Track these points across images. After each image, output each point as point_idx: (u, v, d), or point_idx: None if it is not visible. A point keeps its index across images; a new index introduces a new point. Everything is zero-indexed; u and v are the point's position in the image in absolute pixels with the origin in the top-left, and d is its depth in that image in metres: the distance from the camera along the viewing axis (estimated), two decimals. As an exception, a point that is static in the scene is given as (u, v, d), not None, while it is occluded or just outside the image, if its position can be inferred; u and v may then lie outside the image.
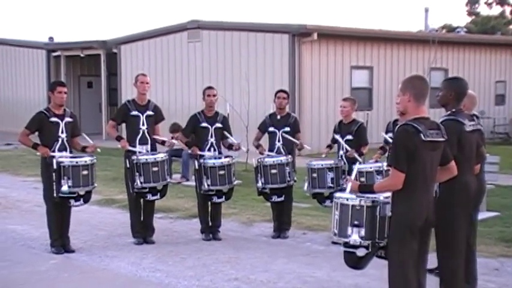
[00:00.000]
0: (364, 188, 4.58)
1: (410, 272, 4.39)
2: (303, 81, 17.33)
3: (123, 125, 8.18)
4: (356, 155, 7.86)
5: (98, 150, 7.76)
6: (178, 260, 7.16)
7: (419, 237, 4.40)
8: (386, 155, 7.54)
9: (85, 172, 7.26)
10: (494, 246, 7.47)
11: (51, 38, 25.33)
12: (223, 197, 8.08)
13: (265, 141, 8.46)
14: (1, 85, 26.81)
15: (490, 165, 8.68)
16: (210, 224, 8.21)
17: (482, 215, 8.26)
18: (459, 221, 5.08)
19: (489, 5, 45.33)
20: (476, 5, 45.53)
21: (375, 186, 4.52)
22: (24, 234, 8.43)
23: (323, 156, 8.35)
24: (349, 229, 4.49)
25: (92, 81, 24.77)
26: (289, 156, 8.13)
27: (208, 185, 7.85)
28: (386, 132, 8.02)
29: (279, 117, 8.37)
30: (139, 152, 7.72)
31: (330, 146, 8.46)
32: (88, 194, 7.45)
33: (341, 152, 8.09)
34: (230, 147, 8.32)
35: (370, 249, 4.49)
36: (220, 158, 8.02)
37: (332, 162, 7.94)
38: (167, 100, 19.27)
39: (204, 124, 8.10)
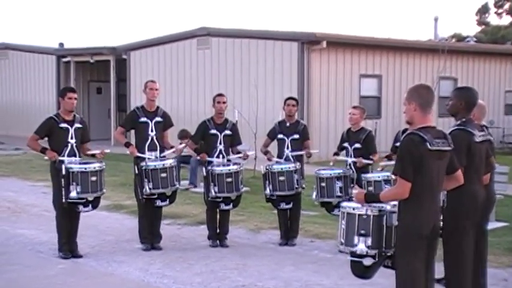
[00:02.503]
0: (370, 198, 4.55)
1: (418, 281, 4.39)
2: (312, 89, 17.34)
3: (132, 131, 8.22)
4: (366, 161, 7.87)
5: (107, 151, 7.78)
6: (186, 266, 7.17)
7: (426, 246, 4.40)
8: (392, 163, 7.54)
9: (94, 178, 7.29)
10: (503, 257, 7.45)
11: (61, 44, 25.47)
12: (231, 204, 8.09)
13: (272, 148, 8.46)
14: (12, 90, 26.96)
15: (499, 175, 8.67)
16: (218, 230, 8.22)
17: (491, 225, 8.20)
18: (466, 230, 5.07)
19: (499, 14, 45.30)
20: (486, 15, 45.50)
21: (381, 195, 4.49)
22: (33, 238, 8.47)
23: (331, 164, 8.35)
24: (356, 238, 4.49)
25: (101, 87, 24.88)
26: (298, 163, 8.13)
27: (215, 192, 7.87)
28: (395, 141, 8.01)
29: (288, 124, 8.38)
30: (149, 158, 7.75)
31: (336, 154, 8.46)
32: (97, 199, 7.48)
33: (349, 160, 8.09)
34: (238, 153, 8.34)
35: (376, 259, 4.49)
36: (228, 165, 8.03)
37: (340, 171, 7.94)
38: (176, 106, 19.32)
39: (213, 131, 8.12)
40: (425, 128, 4.40)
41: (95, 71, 24.84)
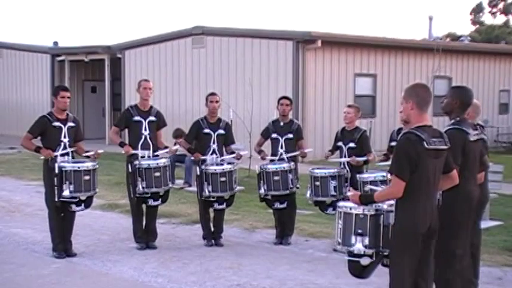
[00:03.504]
0: (365, 199, 4.53)
1: (412, 281, 4.39)
2: (307, 88, 17.33)
3: (126, 130, 8.20)
4: (360, 159, 7.85)
5: (101, 151, 7.75)
6: (181, 266, 7.16)
7: (422, 245, 4.39)
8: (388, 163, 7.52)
9: (87, 177, 7.27)
10: (498, 255, 7.45)
11: (55, 43, 25.39)
12: (225, 203, 8.08)
13: (266, 147, 8.45)
14: (6, 89, 26.86)
15: (493, 174, 8.69)
16: (213, 230, 8.21)
17: (485, 224, 8.24)
18: (460, 230, 5.07)
19: (493, 14, 45.43)
20: (481, 14, 45.61)
21: (376, 195, 4.48)
22: (27, 237, 8.44)
23: (326, 157, 8.31)
24: (353, 238, 4.48)
25: (96, 86, 24.82)
26: (292, 163, 8.12)
27: (209, 191, 7.85)
28: (391, 141, 7.99)
29: (282, 123, 8.37)
30: (142, 157, 7.72)
31: (331, 151, 8.44)
32: (89, 199, 7.46)
33: (343, 160, 8.07)
34: (232, 153, 8.32)
35: (374, 258, 4.48)
36: (222, 164, 8.02)
37: (335, 170, 7.93)
38: (171, 106, 19.30)
39: (207, 130, 8.11)
40: (422, 127, 4.39)
41: (89, 70, 24.78)
